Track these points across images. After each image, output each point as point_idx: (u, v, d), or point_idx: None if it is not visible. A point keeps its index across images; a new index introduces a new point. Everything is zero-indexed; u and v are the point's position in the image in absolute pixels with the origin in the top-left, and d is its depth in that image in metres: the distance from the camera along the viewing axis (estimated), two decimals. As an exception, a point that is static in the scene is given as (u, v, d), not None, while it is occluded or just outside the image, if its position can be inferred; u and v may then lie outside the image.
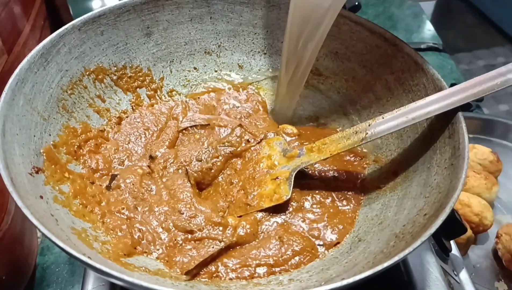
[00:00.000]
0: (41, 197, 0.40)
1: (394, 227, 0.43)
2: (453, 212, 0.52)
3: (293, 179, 0.49)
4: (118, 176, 0.49)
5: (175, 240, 0.45)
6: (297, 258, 0.45)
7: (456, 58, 2.12)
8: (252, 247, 0.46)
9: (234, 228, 0.46)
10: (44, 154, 0.45)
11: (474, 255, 0.71)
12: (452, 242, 0.58)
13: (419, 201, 0.43)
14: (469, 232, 0.68)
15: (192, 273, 0.43)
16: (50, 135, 0.47)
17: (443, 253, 0.55)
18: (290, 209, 0.49)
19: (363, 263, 0.40)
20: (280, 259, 0.45)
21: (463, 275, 0.57)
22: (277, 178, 0.50)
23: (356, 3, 0.90)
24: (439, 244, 0.55)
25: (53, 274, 0.62)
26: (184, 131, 0.55)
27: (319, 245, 0.47)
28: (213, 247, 0.44)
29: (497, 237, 0.71)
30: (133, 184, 0.48)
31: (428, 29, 1.13)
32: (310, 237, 0.47)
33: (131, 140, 0.54)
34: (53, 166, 0.45)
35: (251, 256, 0.45)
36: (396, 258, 0.33)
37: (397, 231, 0.41)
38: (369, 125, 0.47)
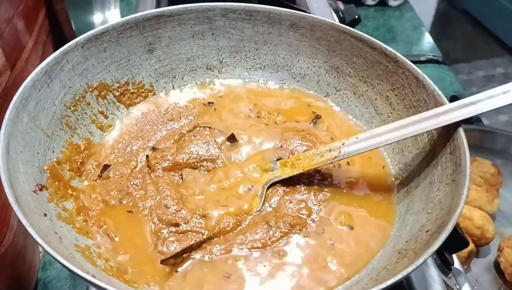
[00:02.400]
0: (45, 214, 0.40)
1: (397, 243, 0.43)
2: (455, 225, 0.52)
3: (265, 192, 0.49)
4: (111, 166, 0.50)
5: (160, 233, 0.45)
6: (285, 238, 0.45)
7: (455, 68, 2.13)
8: (238, 233, 0.45)
9: (216, 221, 0.46)
10: (48, 171, 0.45)
11: (476, 268, 0.71)
12: (454, 255, 0.58)
13: (421, 217, 0.43)
14: (471, 246, 0.68)
15: (169, 263, 0.42)
16: (53, 152, 0.47)
17: (445, 267, 0.55)
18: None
19: (366, 279, 0.40)
20: (268, 241, 0.44)
21: (466, 289, 0.57)
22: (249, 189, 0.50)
23: (356, 17, 0.90)
24: (441, 258, 0.55)
25: (55, 289, 0.62)
26: (196, 129, 0.54)
27: (310, 221, 0.47)
28: (195, 240, 0.44)
29: (499, 250, 0.71)
30: (121, 176, 0.49)
31: (428, 41, 1.14)
32: (299, 215, 0.47)
33: (149, 128, 0.55)
34: (56, 183, 0.45)
35: (237, 242, 0.44)
36: (399, 276, 0.33)
37: (400, 247, 0.42)
38: (342, 144, 0.47)
